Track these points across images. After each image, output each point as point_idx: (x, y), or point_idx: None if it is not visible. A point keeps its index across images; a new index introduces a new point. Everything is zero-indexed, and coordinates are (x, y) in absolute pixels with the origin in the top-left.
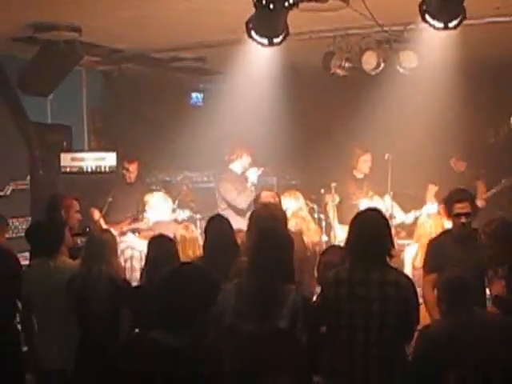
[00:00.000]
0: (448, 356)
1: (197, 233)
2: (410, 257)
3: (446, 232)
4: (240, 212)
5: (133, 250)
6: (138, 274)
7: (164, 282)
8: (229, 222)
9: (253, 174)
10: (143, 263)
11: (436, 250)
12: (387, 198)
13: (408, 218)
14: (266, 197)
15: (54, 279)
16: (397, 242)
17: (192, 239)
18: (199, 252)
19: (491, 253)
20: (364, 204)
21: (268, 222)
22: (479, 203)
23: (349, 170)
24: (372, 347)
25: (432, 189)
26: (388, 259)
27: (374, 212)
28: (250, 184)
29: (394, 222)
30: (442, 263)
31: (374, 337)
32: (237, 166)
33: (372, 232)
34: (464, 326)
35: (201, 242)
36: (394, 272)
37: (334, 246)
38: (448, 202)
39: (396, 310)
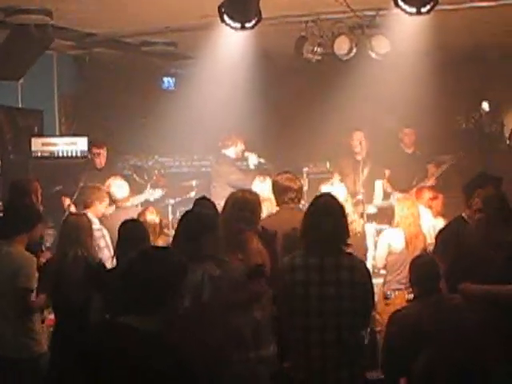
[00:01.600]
0: (416, 338)
1: (156, 217)
2: (386, 241)
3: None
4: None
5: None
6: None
7: (131, 265)
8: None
9: (253, 158)
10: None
11: None
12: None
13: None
14: (287, 178)
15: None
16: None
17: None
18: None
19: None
20: (324, 189)
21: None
22: (430, 182)
23: (322, 155)
24: (328, 333)
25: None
26: (344, 247)
27: (330, 198)
28: (252, 166)
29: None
30: None
31: (329, 322)
32: (231, 152)
33: (327, 218)
34: (432, 309)
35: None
36: (348, 257)
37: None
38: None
39: (351, 294)
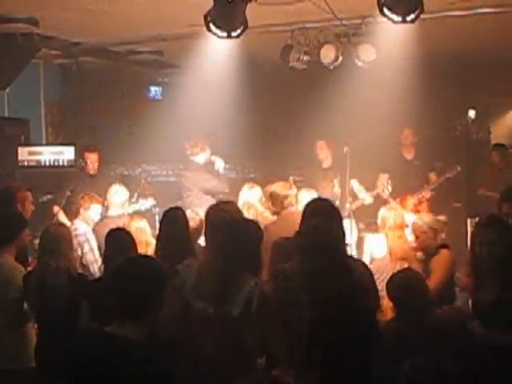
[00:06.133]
0: (398, 355)
1: (143, 222)
2: (369, 249)
3: None
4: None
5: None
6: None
7: (116, 275)
8: (184, 215)
9: (219, 162)
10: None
11: None
12: (354, 182)
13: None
14: (280, 186)
15: None
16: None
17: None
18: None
19: None
20: (302, 195)
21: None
22: (426, 194)
23: (309, 163)
24: (329, 339)
25: (383, 177)
26: (343, 249)
27: (324, 202)
28: (221, 169)
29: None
30: None
31: (332, 328)
32: (200, 158)
33: (323, 222)
34: (411, 325)
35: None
36: (351, 261)
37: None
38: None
39: (354, 298)
